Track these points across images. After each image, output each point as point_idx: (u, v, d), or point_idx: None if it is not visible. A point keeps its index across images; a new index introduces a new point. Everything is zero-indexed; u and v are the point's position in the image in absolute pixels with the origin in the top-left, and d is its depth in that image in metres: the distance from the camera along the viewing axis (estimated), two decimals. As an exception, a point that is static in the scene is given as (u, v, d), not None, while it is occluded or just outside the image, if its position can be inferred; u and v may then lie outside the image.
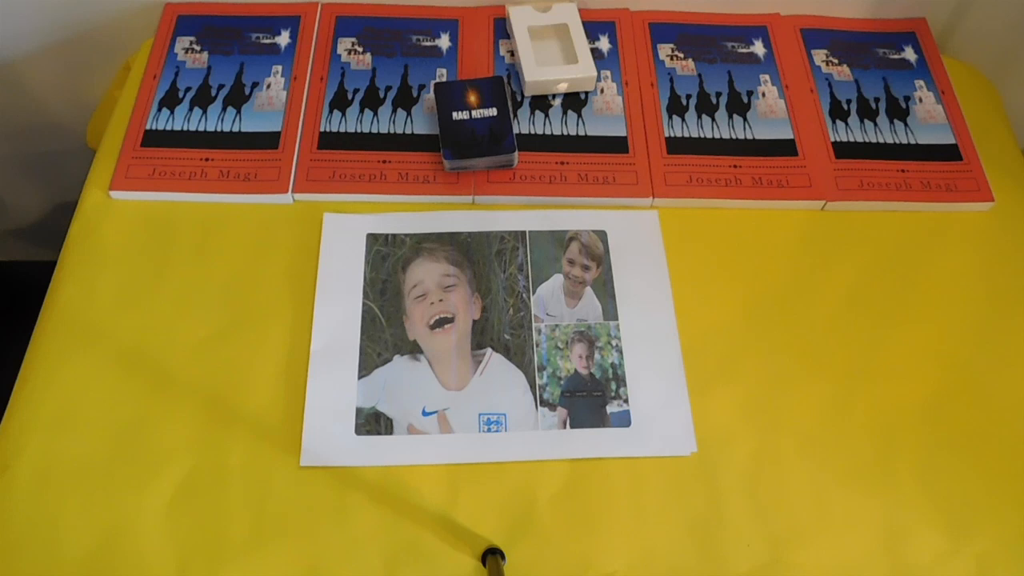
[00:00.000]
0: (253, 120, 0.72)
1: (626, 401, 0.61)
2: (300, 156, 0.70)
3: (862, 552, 0.57)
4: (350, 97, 0.74)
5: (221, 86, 0.74)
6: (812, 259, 0.68)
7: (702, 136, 0.73)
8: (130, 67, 0.78)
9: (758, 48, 0.79)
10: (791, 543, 0.57)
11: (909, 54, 0.80)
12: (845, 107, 0.76)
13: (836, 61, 0.79)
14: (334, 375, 0.61)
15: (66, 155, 0.98)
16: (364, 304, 0.65)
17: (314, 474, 0.58)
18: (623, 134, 0.73)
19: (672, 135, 0.73)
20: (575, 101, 0.75)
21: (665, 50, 0.79)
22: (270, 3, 0.79)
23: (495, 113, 0.71)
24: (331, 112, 0.73)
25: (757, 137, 0.73)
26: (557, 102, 0.75)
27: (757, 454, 0.60)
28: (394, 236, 0.68)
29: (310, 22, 0.78)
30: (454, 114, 0.71)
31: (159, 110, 0.73)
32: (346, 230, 0.68)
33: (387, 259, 0.67)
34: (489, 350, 0.63)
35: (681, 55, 0.78)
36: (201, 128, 0.72)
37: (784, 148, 0.73)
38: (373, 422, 0.60)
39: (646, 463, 0.59)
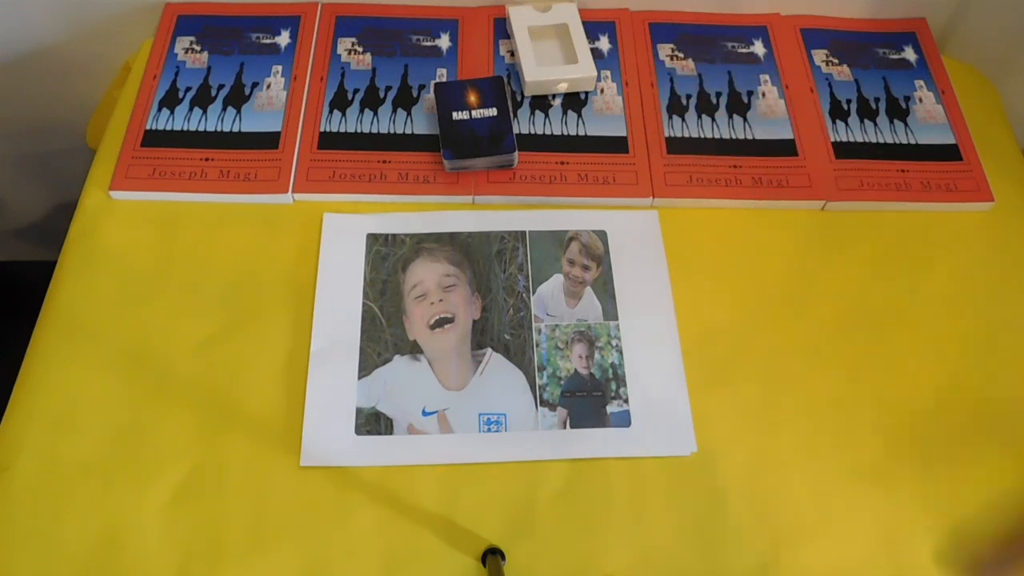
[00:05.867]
0: (253, 120, 0.72)
1: (626, 401, 0.61)
2: (300, 156, 0.70)
3: (862, 552, 0.57)
4: (350, 97, 0.74)
5: (221, 86, 0.74)
6: (812, 259, 0.68)
7: (702, 136, 0.73)
8: (130, 67, 0.78)
9: (758, 48, 0.79)
10: (791, 543, 0.57)
11: (909, 54, 0.80)
12: (845, 107, 0.76)
13: (836, 61, 0.79)
14: (334, 375, 0.61)
15: (66, 155, 0.98)
16: (364, 304, 0.65)
17: (314, 474, 0.58)
18: (623, 134, 0.73)
19: (672, 135, 0.73)
20: (575, 101, 0.75)
21: (665, 50, 0.79)
22: (270, 3, 0.79)
23: (495, 113, 0.71)
24: (331, 112, 0.73)
25: (757, 137, 0.73)
26: (557, 102, 0.75)
27: (757, 454, 0.60)
28: (394, 236, 0.68)
29: (310, 22, 0.78)
30: (454, 114, 0.71)
31: (159, 110, 0.73)
32: (346, 230, 0.68)
33: (387, 259, 0.67)
34: (489, 350, 0.63)
35: (681, 55, 0.78)
36: (201, 128, 0.72)
37: (784, 148, 0.73)
38: (373, 422, 0.60)
39: (646, 463, 0.59)
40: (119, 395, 0.60)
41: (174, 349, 0.62)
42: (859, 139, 0.74)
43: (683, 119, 0.74)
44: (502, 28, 0.79)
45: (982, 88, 0.81)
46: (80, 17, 0.79)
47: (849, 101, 0.76)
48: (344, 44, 0.77)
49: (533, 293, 0.66)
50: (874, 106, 0.76)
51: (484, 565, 0.55)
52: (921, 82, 0.78)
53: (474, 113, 0.71)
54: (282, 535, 0.56)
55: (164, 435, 0.59)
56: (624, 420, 0.61)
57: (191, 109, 0.73)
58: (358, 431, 0.60)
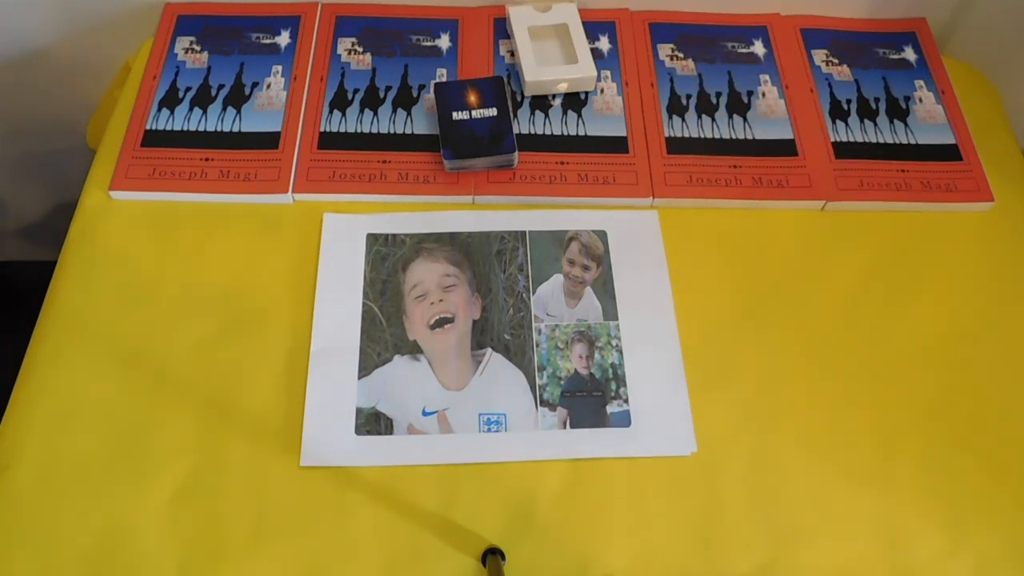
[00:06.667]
0: (253, 120, 0.72)
1: (626, 401, 0.61)
2: (300, 156, 0.70)
3: (862, 552, 0.57)
4: (350, 97, 0.74)
5: (221, 86, 0.74)
6: (812, 259, 0.68)
7: (702, 136, 0.73)
8: (130, 67, 0.78)
9: (758, 48, 0.79)
10: (791, 543, 0.57)
11: (909, 54, 0.80)
12: (845, 107, 0.76)
13: (836, 61, 0.79)
14: (334, 375, 0.61)
15: (66, 155, 0.98)
16: (364, 304, 0.65)
17: (314, 474, 0.58)
18: (623, 134, 0.73)
19: (672, 135, 0.73)
20: (575, 101, 0.75)
21: (665, 50, 0.79)
22: (270, 3, 0.79)
23: (495, 113, 0.71)
24: (331, 112, 0.73)
25: (757, 137, 0.73)
26: (557, 102, 0.75)
27: (757, 454, 0.60)
28: (394, 236, 0.68)
29: (310, 22, 0.78)
30: (454, 114, 0.71)
31: (159, 110, 0.73)
32: (346, 230, 0.68)
33: (387, 259, 0.67)
34: (489, 350, 0.63)
35: (681, 55, 0.78)
36: (201, 128, 0.72)
37: (784, 148, 0.73)
38: (373, 422, 0.60)
39: (646, 463, 0.59)
40: (119, 395, 0.60)
41: (174, 349, 0.62)
42: (859, 139, 0.74)
43: (683, 119, 0.74)
44: (502, 28, 0.79)
45: (982, 88, 0.81)
46: (80, 17, 0.79)
47: (849, 101, 0.76)
48: (344, 44, 0.77)
49: (533, 293, 0.66)
50: (874, 106, 0.76)
51: (484, 565, 0.55)
52: (921, 82, 0.78)
53: (474, 113, 0.71)
54: (282, 535, 0.56)
55: (164, 435, 0.59)
56: (624, 420, 0.61)
57: (191, 109, 0.73)
58: (358, 431, 0.60)
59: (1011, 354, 0.65)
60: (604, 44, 0.79)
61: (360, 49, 0.77)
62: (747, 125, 0.74)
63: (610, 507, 0.58)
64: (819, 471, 0.60)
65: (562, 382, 0.62)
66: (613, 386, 0.62)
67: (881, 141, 0.74)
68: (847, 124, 0.75)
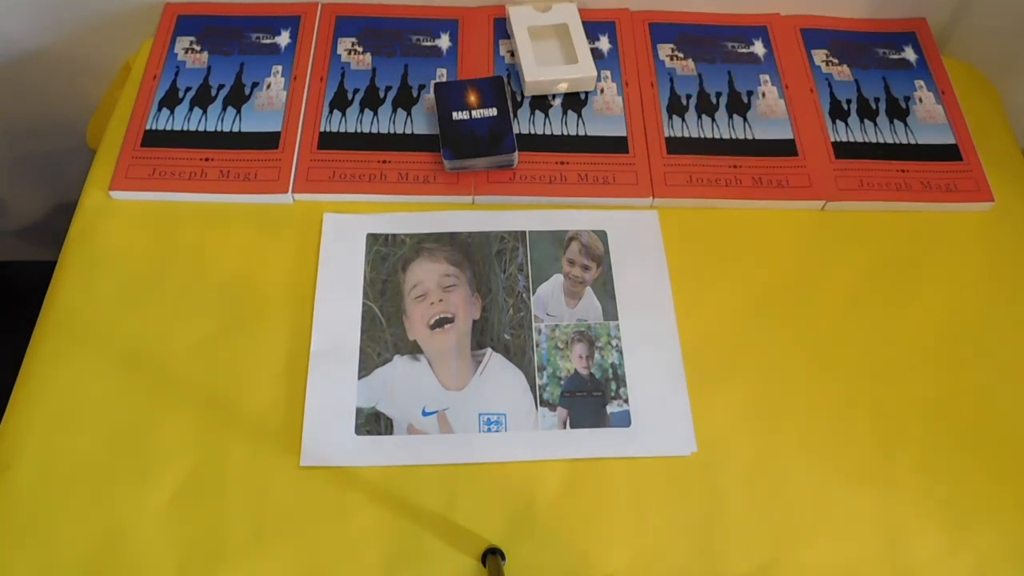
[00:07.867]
0: (253, 120, 0.72)
1: (626, 401, 0.61)
2: (300, 156, 0.70)
3: (862, 552, 0.57)
4: (350, 97, 0.74)
5: (221, 86, 0.74)
6: (812, 259, 0.68)
7: (702, 136, 0.73)
8: (130, 67, 0.78)
9: (758, 48, 0.79)
10: (791, 543, 0.57)
11: (909, 54, 0.80)
12: (845, 107, 0.76)
13: (836, 61, 0.79)
14: (334, 375, 0.61)
15: (66, 155, 0.98)
16: (364, 304, 0.65)
17: (314, 474, 0.58)
18: (623, 134, 0.73)
19: (672, 135, 0.73)
20: (575, 101, 0.75)
21: (665, 50, 0.79)
22: (270, 3, 0.79)
23: (495, 113, 0.71)
24: (331, 112, 0.73)
25: (757, 137, 0.73)
26: (557, 102, 0.75)
27: (757, 454, 0.60)
28: (394, 236, 0.68)
29: (310, 22, 0.78)
30: (454, 114, 0.71)
31: (159, 110, 0.73)
32: (346, 230, 0.68)
33: (387, 259, 0.67)
34: (489, 350, 0.63)
35: (681, 55, 0.78)
36: (201, 128, 0.72)
37: (784, 148, 0.73)
38: (373, 422, 0.60)
39: (646, 463, 0.59)
40: (119, 395, 0.60)
41: (174, 349, 0.62)
42: (859, 139, 0.74)
43: (683, 119, 0.74)
44: (502, 28, 0.79)
45: (982, 88, 0.81)
46: (80, 17, 0.79)
47: (849, 101, 0.76)
48: (344, 44, 0.77)
49: (533, 293, 0.66)
50: (874, 106, 0.76)
51: (484, 565, 0.55)
52: (921, 82, 0.78)
53: (474, 113, 0.71)
54: (282, 535, 0.56)
55: (164, 435, 0.59)
56: (624, 420, 0.61)
57: (191, 109, 0.73)
58: (358, 431, 0.60)
59: (1011, 354, 0.65)
60: (604, 44, 0.79)
61: (360, 49, 0.77)
62: (747, 125, 0.74)
63: (610, 507, 0.58)
64: (819, 471, 0.60)
65: (562, 382, 0.62)
66: (613, 386, 0.62)
67: (881, 141, 0.74)
68: (847, 124, 0.75)
